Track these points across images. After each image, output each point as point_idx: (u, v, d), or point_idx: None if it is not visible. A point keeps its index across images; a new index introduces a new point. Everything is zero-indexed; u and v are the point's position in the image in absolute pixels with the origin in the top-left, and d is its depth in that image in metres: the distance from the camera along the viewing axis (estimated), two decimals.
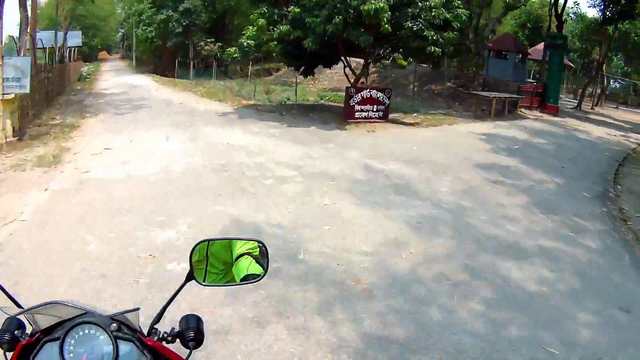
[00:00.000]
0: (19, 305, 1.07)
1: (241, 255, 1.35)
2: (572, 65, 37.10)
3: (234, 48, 25.27)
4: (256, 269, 1.30)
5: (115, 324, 0.96)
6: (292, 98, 16.67)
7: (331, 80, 25.87)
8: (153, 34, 29.46)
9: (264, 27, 12.12)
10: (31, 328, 1.00)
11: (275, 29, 11.28)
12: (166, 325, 1.13)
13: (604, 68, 23.75)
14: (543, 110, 18.06)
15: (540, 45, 22.14)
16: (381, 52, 13.12)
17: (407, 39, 10.78)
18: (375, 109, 12.38)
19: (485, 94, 16.30)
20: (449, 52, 12.10)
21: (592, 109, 23.00)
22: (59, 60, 19.87)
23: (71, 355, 0.93)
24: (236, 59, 25.57)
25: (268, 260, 1.33)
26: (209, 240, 1.35)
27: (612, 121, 19.23)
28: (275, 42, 12.97)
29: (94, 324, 0.94)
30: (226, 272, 1.39)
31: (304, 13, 10.44)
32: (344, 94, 13.88)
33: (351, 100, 12.14)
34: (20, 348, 0.96)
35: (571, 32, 38.36)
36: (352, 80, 13.36)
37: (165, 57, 31.64)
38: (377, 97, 12.45)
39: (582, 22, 37.49)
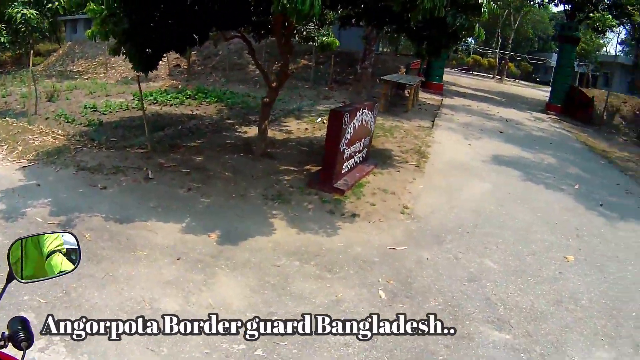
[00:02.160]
0: None
1: (52, 252, 1.41)
2: None
3: None
4: (67, 265, 1.42)
5: None
6: (97, 106, 10.89)
7: (109, 68, 18.14)
8: None
9: None
10: None
11: None
12: None
13: None
14: (428, 89, 16.80)
15: None
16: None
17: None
18: (361, 147, 7.01)
19: (395, 77, 13.28)
20: None
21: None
22: None
23: None
24: (2, 44, 16.90)
25: (80, 251, 1.44)
26: (22, 239, 1.37)
27: (475, 92, 19.49)
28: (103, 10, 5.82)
29: None
30: (41, 267, 1.42)
31: None
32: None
33: (342, 143, 6.04)
34: None
35: None
36: (274, 84, 7.37)
37: None
38: (367, 123, 7.05)
39: None
